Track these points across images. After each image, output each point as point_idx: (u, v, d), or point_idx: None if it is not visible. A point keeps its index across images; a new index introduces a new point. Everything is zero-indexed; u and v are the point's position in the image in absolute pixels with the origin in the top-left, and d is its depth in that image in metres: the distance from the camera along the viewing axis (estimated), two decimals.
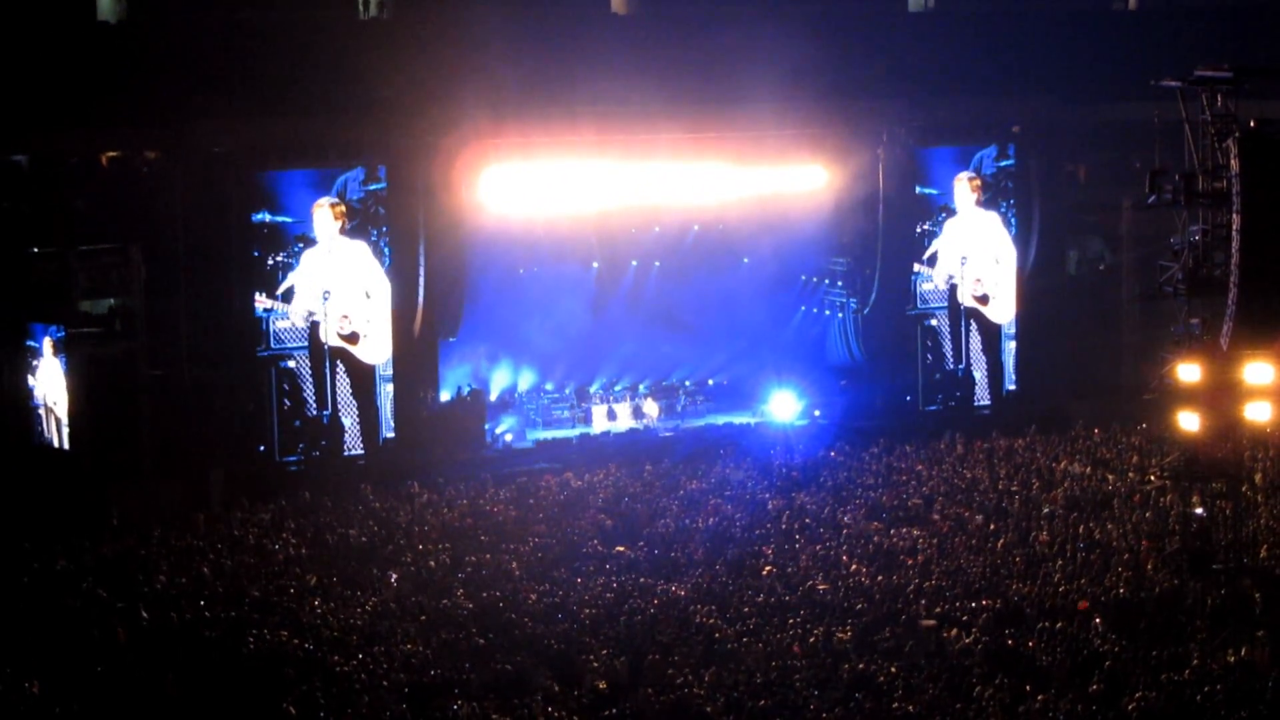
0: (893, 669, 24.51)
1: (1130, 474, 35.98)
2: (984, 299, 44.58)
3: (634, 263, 45.22)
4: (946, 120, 44.05)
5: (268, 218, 38.49)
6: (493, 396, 43.83)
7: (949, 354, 44.69)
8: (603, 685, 24.31)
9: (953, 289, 44.30)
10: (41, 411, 37.36)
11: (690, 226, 44.45)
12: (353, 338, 39.49)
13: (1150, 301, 32.05)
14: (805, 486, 36.03)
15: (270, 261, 38.60)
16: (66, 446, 36.78)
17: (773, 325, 46.00)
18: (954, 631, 26.03)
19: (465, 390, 42.52)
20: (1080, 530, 31.57)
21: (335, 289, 39.18)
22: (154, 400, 37.86)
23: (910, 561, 30.13)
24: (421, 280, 40.04)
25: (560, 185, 41.61)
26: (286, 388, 39.10)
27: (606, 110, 40.62)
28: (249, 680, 24.78)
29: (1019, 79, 44.26)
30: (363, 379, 39.67)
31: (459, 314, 41.82)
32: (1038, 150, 44.59)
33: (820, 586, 28.56)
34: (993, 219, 44.28)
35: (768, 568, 30.04)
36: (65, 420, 36.72)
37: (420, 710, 23.64)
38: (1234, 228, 28.06)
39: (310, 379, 39.25)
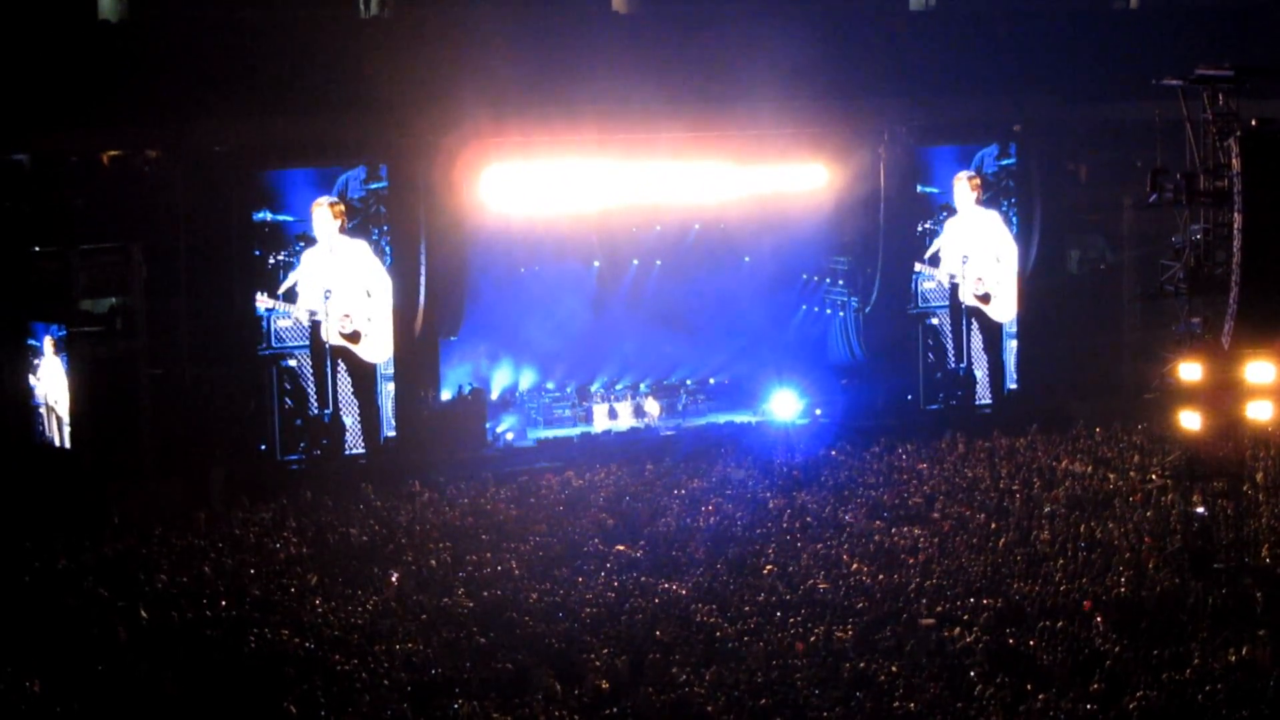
0: (894, 668, 24.50)
1: (1131, 473, 35.99)
2: (985, 298, 44.58)
3: (635, 262, 45.20)
4: (947, 119, 44.04)
5: (269, 217, 38.50)
6: (494, 395, 43.83)
7: (950, 353, 44.70)
8: (604, 684, 24.31)
9: (954, 288, 44.32)
10: (42, 410, 37.36)
11: (691, 225, 44.46)
12: (354, 336, 39.49)
13: (1152, 300, 32.00)
14: (806, 485, 36.04)
15: (271, 260, 38.60)
16: (67, 445, 36.78)
17: (774, 324, 46.00)
18: (955, 630, 26.03)
19: (466, 389, 42.51)
20: (1081, 529, 31.57)
21: (336, 288, 39.18)
22: (155, 399, 37.84)
23: (911, 560, 30.12)
24: (423, 279, 40.04)
25: (561, 184, 41.62)
26: (288, 386, 39.11)
27: (607, 109, 40.61)
28: (250, 679, 24.78)
29: (1020, 78, 44.23)
30: (364, 378, 39.68)
31: (460, 313, 41.82)
32: (1039, 149, 44.61)
33: (821, 585, 28.56)
34: (994, 218, 44.29)
35: (769, 567, 30.05)
36: (66, 419, 36.71)
37: (421, 709, 23.64)
38: (1235, 226, 28.09)
39: (311, 378, 39.26)
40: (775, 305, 45.90)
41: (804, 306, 46.57)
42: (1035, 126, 44.51)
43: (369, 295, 39.53)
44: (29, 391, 37.53)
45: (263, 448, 38.89)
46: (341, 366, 39.48)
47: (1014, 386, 45.09)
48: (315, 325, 39.08)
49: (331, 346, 39.32)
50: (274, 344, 38.93)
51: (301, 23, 40.32)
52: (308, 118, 39.28)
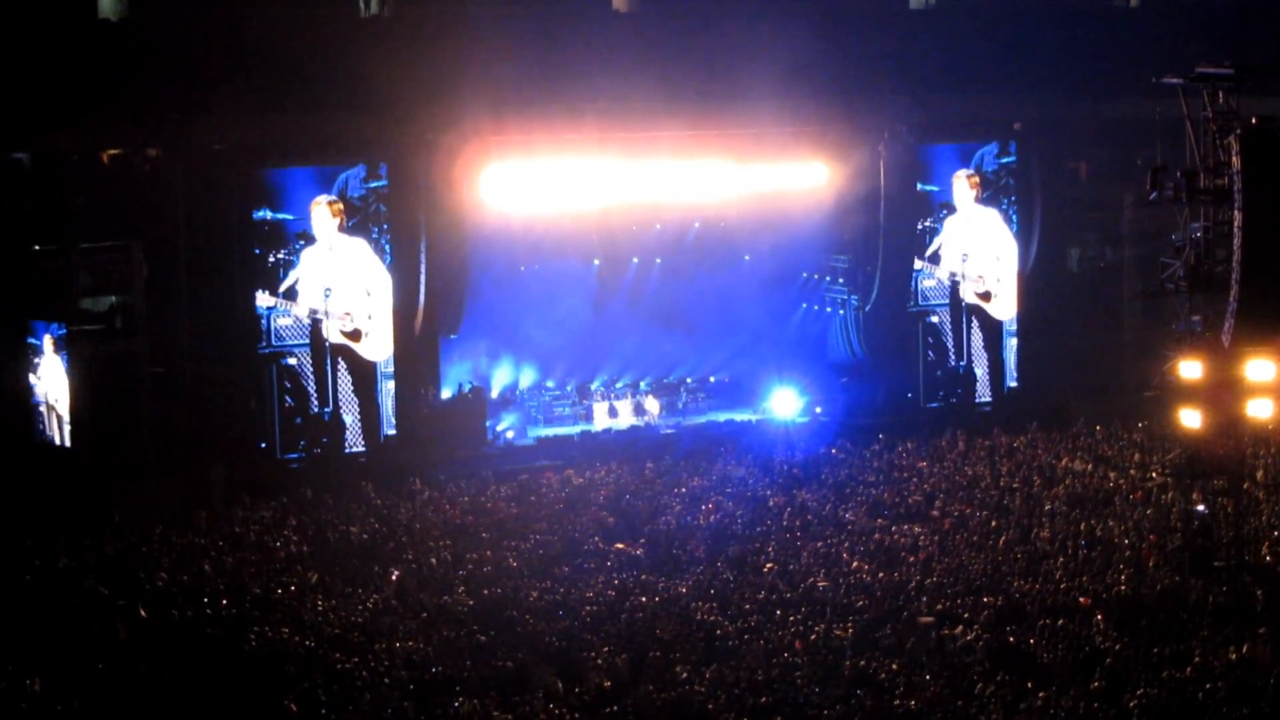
0: (894, 666, 24.50)
1: (1132, 471, 35.99)
2: (986, 296, 44.60)
3: (635, 260, 45.18)
4: (947, 117, 44.06)
5: (269, 215, 38.51)
6: (494, 394, 43.81)
7: (950, 351, 44.72)
8: (604, 682, 24.31)
9: (954, 286, 44.35)
10: (43, 409, 37.36)
11: (691, 224, 44.46)
12: (354, 335, 39.50)
13: (1152, 298, 32.00)
14: (806, 483, 36.05)
15: (271, 259, 38.60)
16: (68, 444, 36.78)
17: (774, 322, 45.99)
18: (956, 628, 26.03)
19: (466, 387, 42.51)
20: (1082, 527, 31.58)
21: (336, 286, 39.19)
22: (155, 397, 37.83)
23: (912, 558, 30.12)
24: (423, 277, 40.04)
25: (561, 182, 41.61)
26: (288, 385, 39.12)
27: (607, 107, 40.60)
28: (250, 677, 24.77)
29: (1020, 76, 44.20)
30: (364, 376, 39.69)
31: (460, 311, 41.80)
32: (1039, 147, 44.61)
33: (821, 583, 28.56)
34: (994, 216, 44.32)
35: (769, 565, 30.05)
36: (66, 418, 36.71)
37: (421, 707, 23.63)
38: (1235, 224, 28.09)
39: (311, 376, 39.27)
40: (775, 303, 45.89)
41: (804, 304, 46.56)
42: (1035, 125, 44.53)
43: (369, 293, 39.54)
44: (29, 390, 37.53)
45: (263, 446, 38.89)
46: (342, 365, 39.50)
47: (1014, 384, 45.12)
48: (315, 323, 39.09)
49: (332, 345, 39.33)
50: (274, 342, 38.95)
51: (301, 22, 40.23)
52: (307, 116, 39.27)
